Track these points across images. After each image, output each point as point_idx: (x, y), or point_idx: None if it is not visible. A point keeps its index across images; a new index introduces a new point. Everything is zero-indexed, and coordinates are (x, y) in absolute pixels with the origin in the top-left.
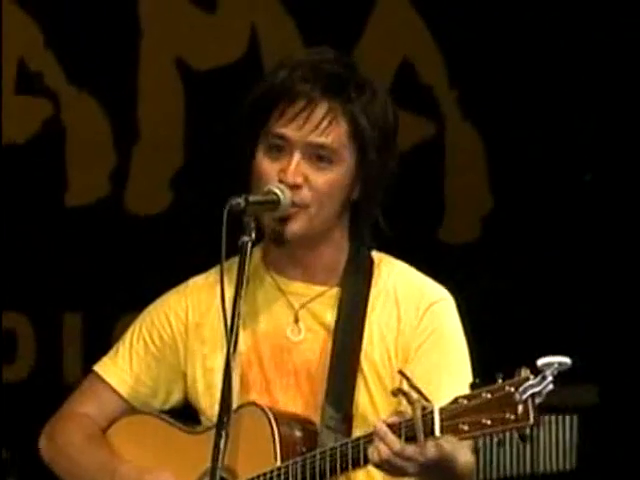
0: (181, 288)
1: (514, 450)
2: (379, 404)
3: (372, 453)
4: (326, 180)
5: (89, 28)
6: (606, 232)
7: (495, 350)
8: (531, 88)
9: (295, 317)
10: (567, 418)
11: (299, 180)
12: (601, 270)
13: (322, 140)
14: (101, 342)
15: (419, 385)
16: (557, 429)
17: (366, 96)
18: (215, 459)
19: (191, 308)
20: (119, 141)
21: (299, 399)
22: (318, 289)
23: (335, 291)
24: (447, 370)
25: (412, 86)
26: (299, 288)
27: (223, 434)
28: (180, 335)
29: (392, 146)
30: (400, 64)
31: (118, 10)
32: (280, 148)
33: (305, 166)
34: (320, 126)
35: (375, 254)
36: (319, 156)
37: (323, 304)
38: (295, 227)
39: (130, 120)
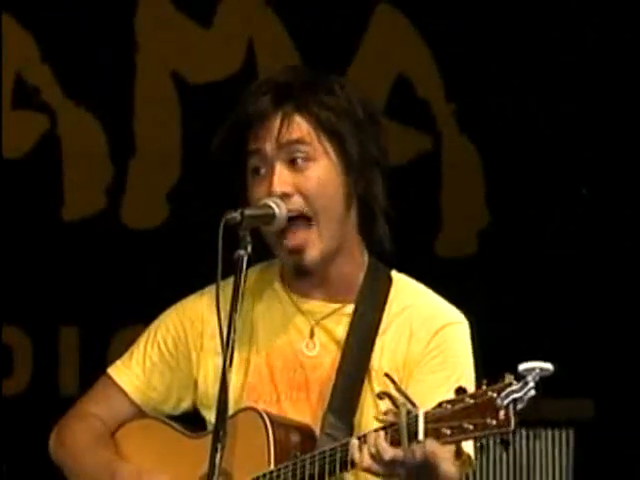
0: (198, 296)
1: (510, 464)
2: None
3: (358, 456)
4: (313, 178)
5: (86, 43)
6: (603, 246)
7: (489, 363)
8: (528, 102)
9: (311, 332)
10: (563, 432)
11: (287, 189)
12: (598, 284)
13: (291, 137)
14: (97, 355)
15: (418, 401)
16: (553, 443)
17: (320, 92)
18: (212, 472)
19: (206, 317)
20: (115, 155)
21: (308, 413)
22: (334, 306)
23: (350, 308)
24: (448, 392)
25: (408, 100)
26: (315, 306)
27: (219, 447)
28: (194, 344)
29: (371, 128)
30: (396, 78)
31: (114, 24)
32: (261, 168)
33: (290, 175)
34: (282, 131)
35: (394, 274)
36: (297, 158)
37: (337, 321)
38: (311, 255)
39: (126, 134)
